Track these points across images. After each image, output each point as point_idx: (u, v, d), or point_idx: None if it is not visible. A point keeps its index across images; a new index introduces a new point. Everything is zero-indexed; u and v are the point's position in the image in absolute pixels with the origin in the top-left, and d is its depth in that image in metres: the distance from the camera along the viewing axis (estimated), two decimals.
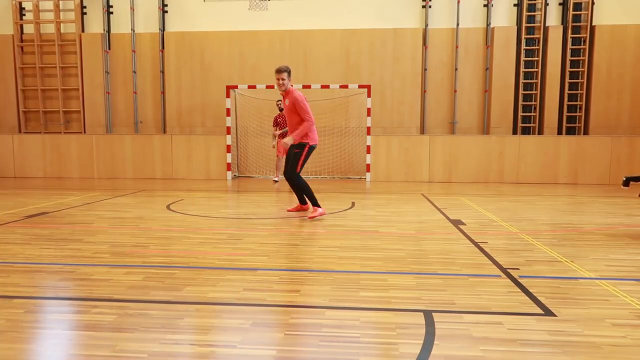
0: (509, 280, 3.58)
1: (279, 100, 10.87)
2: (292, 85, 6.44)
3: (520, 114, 11.65)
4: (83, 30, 12.44)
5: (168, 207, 7.20)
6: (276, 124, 10.76)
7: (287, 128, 11.05)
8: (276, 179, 10.92)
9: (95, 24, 12.43)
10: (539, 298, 3.18)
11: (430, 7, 11.66)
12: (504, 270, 3.83)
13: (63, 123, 12.52)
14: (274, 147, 10.82)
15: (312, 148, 6.25)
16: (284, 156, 11.02)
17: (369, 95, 11.25)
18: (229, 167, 11.76)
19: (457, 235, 5.23)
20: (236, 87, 11.74)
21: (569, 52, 11.44)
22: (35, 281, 3.57)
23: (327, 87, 11.38)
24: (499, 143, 11.24)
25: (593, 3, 11.29)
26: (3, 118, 12.68)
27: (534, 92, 11.62)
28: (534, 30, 11.57)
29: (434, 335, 2.58)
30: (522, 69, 11.54)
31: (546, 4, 11.45)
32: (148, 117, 12.50)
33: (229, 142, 11.67)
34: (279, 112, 10.78)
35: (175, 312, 2.94)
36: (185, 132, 12.30)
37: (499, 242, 4.89)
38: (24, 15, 12.50)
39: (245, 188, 10.10)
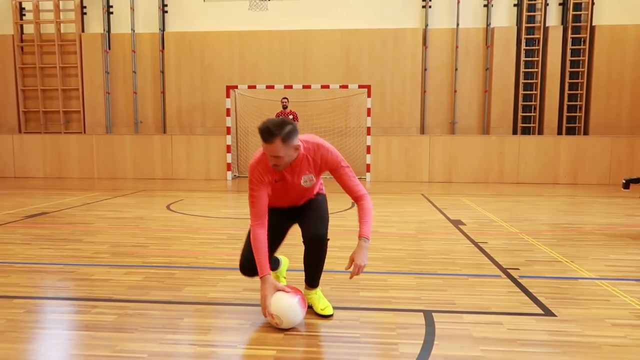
0: (509, 280, 3.58)
1: (284, 98, 10.87)
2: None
3: (520, 114, 11.64)
4: (83, 30, 12.43)
5: (168, 207, 7.20)
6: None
7: None
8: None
9: (95, 24, 12.43)
10: (539, 298, 3.18)
11: (430, 7, 11.66)
12: (504, 270, 3.83)
13: (63, 123, 12.51)
14: None
15: None
16: None
17: (369, 96, 11.24)
18: (229, 167, 11.75)
19: (457, 235, 5.23)
20: (236, 87, 11.74)
21: (569, 52, 11.44)
22: (35, 281, 3.57)
23: (327, 87, 11.38)
24: (499, 143, 11.24)
25: (593, 3, 11.29)
26: (3, 118, 12.68)
27: (534, 92, 11.61)
28: (534, 30, 11.57)
29: (434, 335, 2.59)
30: (522, 69, 11.53)
31: (546, 4, 11.44)
32: (148, 117, 12.50)
33: (229, 142, 11.67)
34: (282, 109, 10.82)
35: (175, 312, 2.94)
36: (185, 132, 12.30)
37: (499, 242, 4.89)
38: (24, 15, 12.49)
39: (245, 188, 10.10)
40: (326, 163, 2.85)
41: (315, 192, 3.05)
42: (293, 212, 3.00)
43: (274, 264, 3.18)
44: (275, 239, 2.96)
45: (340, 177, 2.87)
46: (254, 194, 2.75)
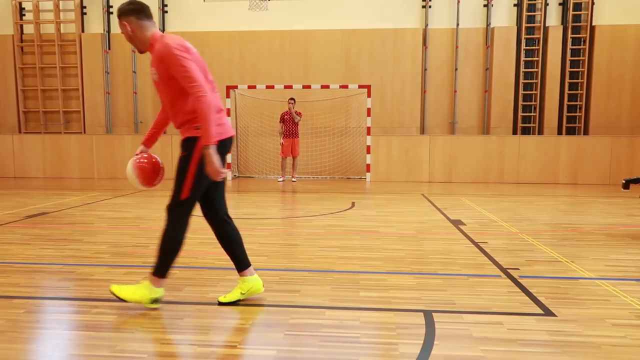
0: (509, 280, 3.59)
1: (290, 99, 10.78)
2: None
3: (520, 114, 11.64)
4: (83, 30, 12.43)
5: None
6: (282, 120, 10.80)
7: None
8: (281, 179, 11.01)
9: (95, 24, 12.43)
10: (539, 298, 3.18)
11: (430, 7, 11.66)
12: (504, 270, 3.83)
13: (63, 123, 12.51)
14: (281, 144, 10.87)
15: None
16: (289, 157, 11.07)
17: (369, 96, 11.24)
18: (229, 167, 11.75)
19: (457, 235, 5.23)
20: (236, 87, 11.73)
21: (569, 52, 11.43)
22: (35, 281, 3.57)
23: (327, 87, 11.37)
24: (499, 143, 11.23)
25: (593, 3, 11.29)
26: (3, 118, 12.68)
27: (534, 92, 11.61)
28: (534, 30, 11.56)
29: (434, 335, 2.59)
30: (522, 69, 11.53)
31: (546, 4, 11.44)
32: (148, 117, 12.49)
33: None
34: (287, 109, 10.73)
35: (175, 312, 2.94)
36: None
37: (499, 242, 4.89)
38: (24, 15, 12.49)
39: (245, 188, 10.10)
40: (160, 57, 2.76)
41: (183, 115, 2.93)
42: None
43: (243, 260, 3.26)
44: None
45: (177, 77, 2.75)
46: None
